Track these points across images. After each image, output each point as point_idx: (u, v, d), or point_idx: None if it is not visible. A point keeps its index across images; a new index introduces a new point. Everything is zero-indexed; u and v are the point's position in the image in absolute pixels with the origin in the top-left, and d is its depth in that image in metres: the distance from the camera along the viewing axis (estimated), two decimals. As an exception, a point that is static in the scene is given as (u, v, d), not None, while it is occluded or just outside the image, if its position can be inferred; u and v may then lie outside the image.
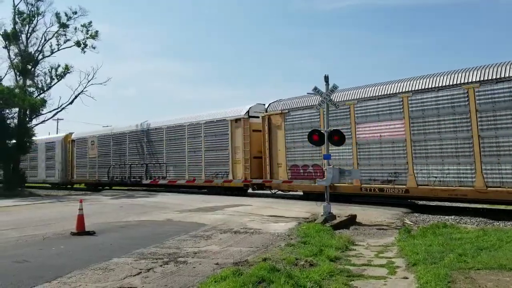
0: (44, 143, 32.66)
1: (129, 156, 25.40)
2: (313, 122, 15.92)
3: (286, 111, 17.07)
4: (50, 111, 29.78)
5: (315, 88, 11.80)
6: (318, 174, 15.55)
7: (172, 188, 23.52)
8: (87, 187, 29.68)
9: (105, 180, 27.11)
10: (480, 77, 12.08)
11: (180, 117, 22.74)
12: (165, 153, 22.85)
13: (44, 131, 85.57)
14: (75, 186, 31.78)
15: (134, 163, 24.94)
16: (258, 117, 18.71)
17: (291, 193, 18.41)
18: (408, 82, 13.69)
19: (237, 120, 19.23)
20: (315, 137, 12.04)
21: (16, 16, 28.03)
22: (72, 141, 30.19)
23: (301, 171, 16.35)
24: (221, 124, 19.96)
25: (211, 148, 20.33)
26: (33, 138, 29.36)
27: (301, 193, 17.58)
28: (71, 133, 31.16)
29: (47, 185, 32.68)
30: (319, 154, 15.38)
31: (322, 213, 10.98)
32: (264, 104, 18.84)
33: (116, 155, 26.44)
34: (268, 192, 18.73)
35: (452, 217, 11.83)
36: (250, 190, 20.00)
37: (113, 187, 28.45)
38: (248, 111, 18.97)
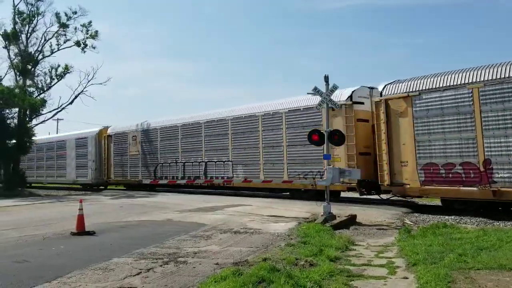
0: (74, 140, 29.64)
1: (182, 153, 21.91)
2: (460, 107, 12.18)
3: (416, 93, 13.16)
4: (50, 111, 29.81)
5: (315, 88, 11.80)
6: (473, 176, 11.86)
7: (240, 190, 20.28)
8: (127, 188, 26.45)
9: (151, 180, 24.06)
10: None
11: (251, 105, 19.43)
12: (230, 149, 19.41)
13: (44, 131, 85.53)
14: (109, 187, 28.66)
15: (188, 161, 21.48)
16: (362, 103, 15.44)
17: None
18: None
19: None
20: (315, 137, 12.05)
21: (16, 16, 28.06)
22: (108, 137, 26.94)
23: (442, 171, 12.44)
24: (311, 113, 16.17)
25: (296, 142, 16.77)
26: (62, 134, 28.35)
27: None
28: (106, 128, 27.90)
29: (78, 186, 30.03)
30: (474, 148, 11.87)
31: (322, 213, 10.98)
32: (371, 88, 15.69)
33: (164, 152, 23.00)
34: (376, 197, 15.52)
35: (452, 217, 11.82)
36: (349, 195, 16.57)
37: (158, 188, 25.14)
38: (350, 96, 15.28)
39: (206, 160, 20.55)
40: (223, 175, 19.58)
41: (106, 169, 26.97)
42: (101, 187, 28.41)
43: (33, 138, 28.64)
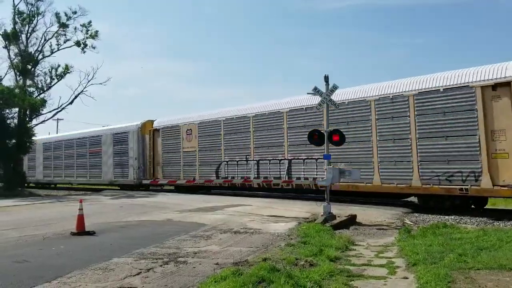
0: (111, 135, 26.43)
1: (256, 150, 18.36)
2: None
3: None
4: (50, 111, 29.84)
5: (315, 88, 11.80)
6: None
7: (342, 195, 15.77)
8: (177, 190, 23.15)
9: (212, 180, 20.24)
10: None
11: (357, 88, 15.41)
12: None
13: (44, 131, 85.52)
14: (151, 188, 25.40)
15: (265, 159, 17.92)
16: None
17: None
18: None
19: (496, 85, 11.87)
20: (315, 137, 12.05)
21: (16, 16, 28.09)
22: (154, 131, 23.64)
23: None
24: (456, 95, 12.60)
25: (430, 134, 13.04)
26: (100, 128, 26.41)
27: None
28: (151, 121, 24.56)
29: (116, 187, 26.83)
30: None
31: (322, 213, 10.98)
32: None
33: (231, 148, 19.47)
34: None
35: (452, 217, 11.83)
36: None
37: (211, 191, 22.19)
38: None
39: (289, 158, 17.04)
40: (315, 176, 15.98)
41: (152, 168, 23.49)
42: (141, 188, 25.24)
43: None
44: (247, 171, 18.70)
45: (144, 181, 23.69)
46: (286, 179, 17.10)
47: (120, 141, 25.77)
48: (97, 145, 27.43)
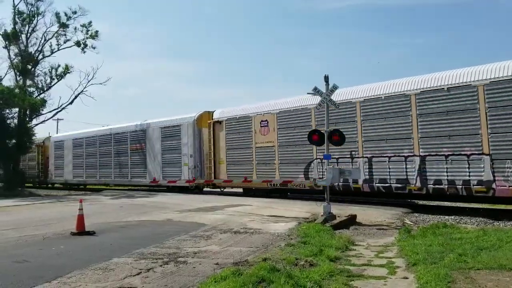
0: (159, 129, 22.84)
1: (366, 143, 14.35)
2: None
3: None
4: (50, 111, 29.97)
5: (315, 88, 11.79)
6: None
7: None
8: (245, 193, 19.49)
9: (300, 181, 16.37)
10: None
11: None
12: (485, 133, 11.70)
13: (44, 131, 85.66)
14: (205, 189, 22.10)
15: (380, 156, 13.88)
16: None
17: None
18: None
19: None
20: (315, 137, 12.04)
21: (16, 16, 28.15)
22: (215, 123, 20.02)
23: None
24: None
25: None
26: (149, 121, 23.53)
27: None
28: (208, 112, 20.87)
29: (163, 188, 23.52)
30: None
31: (322, 213, 10.98)
32: None
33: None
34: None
35: (452, 217, 11.83)
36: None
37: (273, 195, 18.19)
38: None
39: (422, 154, 12.98)
40: (467, 177, 12.03)
41: (213, 167, 19.94)
42: (196, 190, 21.88)
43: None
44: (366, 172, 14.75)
45: (199, 181, 20.77)
46: (417, 182, 13.11)
47: (170, 136, 22.25)
48: (141, 141, 23.89)
